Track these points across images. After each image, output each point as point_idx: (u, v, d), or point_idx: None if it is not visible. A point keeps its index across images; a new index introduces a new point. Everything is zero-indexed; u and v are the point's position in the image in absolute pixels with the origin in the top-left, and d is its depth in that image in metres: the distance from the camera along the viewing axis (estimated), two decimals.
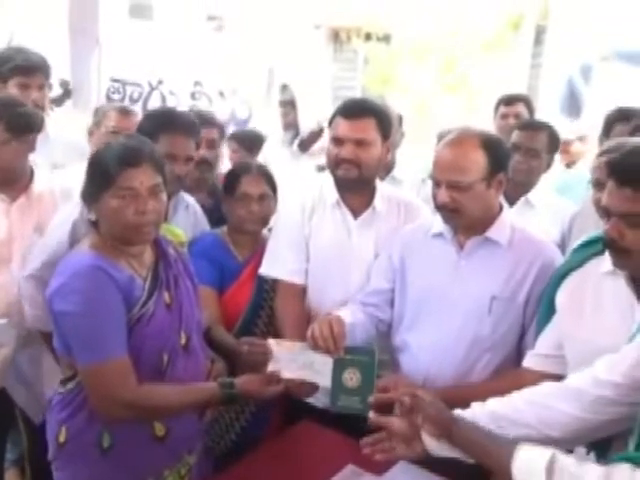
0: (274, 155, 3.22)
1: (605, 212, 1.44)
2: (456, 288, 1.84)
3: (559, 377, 1.53)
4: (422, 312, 1.90)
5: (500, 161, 1.80)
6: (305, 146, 3.57)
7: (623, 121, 2.66)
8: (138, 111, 3.01)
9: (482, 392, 1.58)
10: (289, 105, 3.45)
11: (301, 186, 2.36)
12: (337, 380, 1.76)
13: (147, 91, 4.26)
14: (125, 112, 2.77)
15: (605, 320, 1.54)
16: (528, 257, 1.82)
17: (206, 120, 2.59)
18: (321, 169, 3.27)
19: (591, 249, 1.66)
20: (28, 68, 2.60)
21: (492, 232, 1.84)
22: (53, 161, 2.68)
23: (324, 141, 3.35)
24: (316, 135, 3.57)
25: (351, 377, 1.75)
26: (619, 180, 1.39)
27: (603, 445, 1.44)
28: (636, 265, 1.44)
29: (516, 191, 2.64)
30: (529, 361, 1.73)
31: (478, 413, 1.45)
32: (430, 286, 1.88)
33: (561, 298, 1.66)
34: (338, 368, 1.76)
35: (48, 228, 2.11)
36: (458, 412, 1.47)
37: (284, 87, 3.48)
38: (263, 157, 3.09)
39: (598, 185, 1.93)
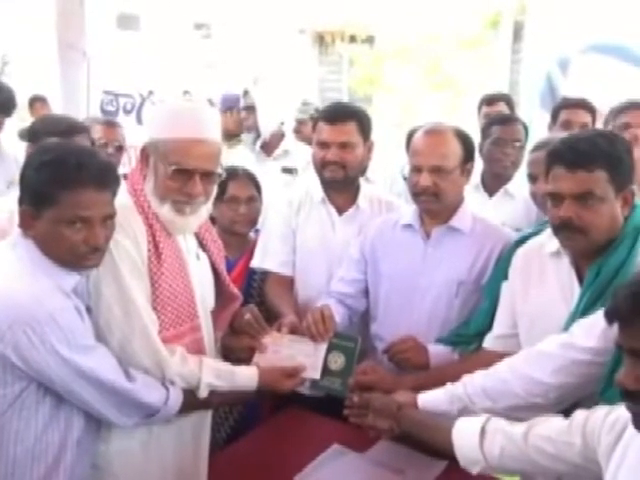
0: (241, 158, 3.40)
1: (555, 197, 1.52)
2: (425, 275, 1.96)
3: None
4: (395, 300, 2.01)
5: (470, 152, 1.96)
6: (268, 149, 3.68)
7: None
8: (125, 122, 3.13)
9: (451, 374, 1.70)
10: (250, 109, 3.71)
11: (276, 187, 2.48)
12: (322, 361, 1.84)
13: (139, 102, 4.28)
14: (111, 124, 2.88)
15: (548, 299, 1.63)
16: (489, 243, 1.94)
17: None
18: (286, 171, 3.46)
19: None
20: None
21: (455, 221, 1.96)
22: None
23: (286, 144, 3.66)
24: (278, 138, 3.69)
25: (335, 360, 1.85)
26: (571, 165, 1.48)
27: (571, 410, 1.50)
28: (590, 243, 1.51)
29: (496, 182, 2.74)
30: (488, 342, 1.82)
31: (470, 389, 1.57)
32: (401, 275, 1.99)
33: (512, 278, 1.76)
34: (325, 350, 1.85)
35: None
36: (449, 386, 1.62)
37: (245, 93, 3.74)
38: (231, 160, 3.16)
39: (533, 179, 2.03)
